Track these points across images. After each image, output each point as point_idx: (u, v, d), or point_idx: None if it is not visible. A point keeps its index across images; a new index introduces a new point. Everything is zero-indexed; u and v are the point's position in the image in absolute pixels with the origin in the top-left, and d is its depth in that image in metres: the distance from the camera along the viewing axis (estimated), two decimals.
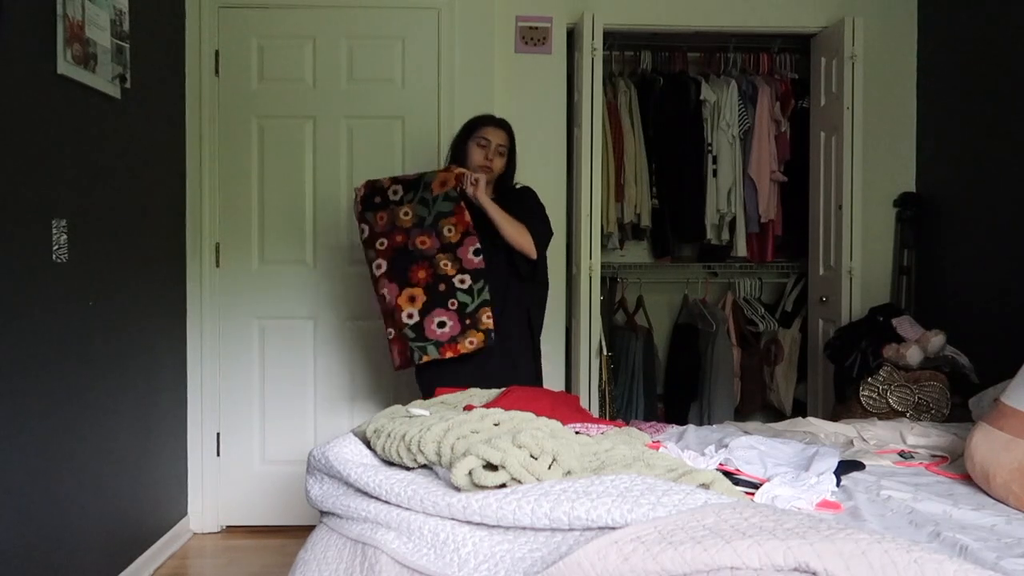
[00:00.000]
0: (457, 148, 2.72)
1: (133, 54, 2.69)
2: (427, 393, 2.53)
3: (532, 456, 1.37)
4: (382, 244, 2.60)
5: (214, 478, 3.37)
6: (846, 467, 1.83)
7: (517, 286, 2.68)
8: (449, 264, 2.53)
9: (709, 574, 1.02)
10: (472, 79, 3.34)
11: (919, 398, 2.83)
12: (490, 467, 1.36)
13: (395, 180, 2.63)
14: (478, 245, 2.53)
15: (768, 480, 1.65)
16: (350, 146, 3.36)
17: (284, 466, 3.35)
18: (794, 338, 3.99)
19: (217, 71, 3.33)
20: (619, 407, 3.87)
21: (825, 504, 1.58)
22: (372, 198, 2.62)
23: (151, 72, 2.91)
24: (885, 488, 1.71)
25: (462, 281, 2.53)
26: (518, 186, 2.80)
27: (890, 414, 2.81)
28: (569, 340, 3.55)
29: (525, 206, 2.70)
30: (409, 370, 3.38)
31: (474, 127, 2.69)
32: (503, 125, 2.70)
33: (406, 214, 2.57)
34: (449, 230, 2.54)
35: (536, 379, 2.78)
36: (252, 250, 3.37)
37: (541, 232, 2.66)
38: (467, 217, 2.55)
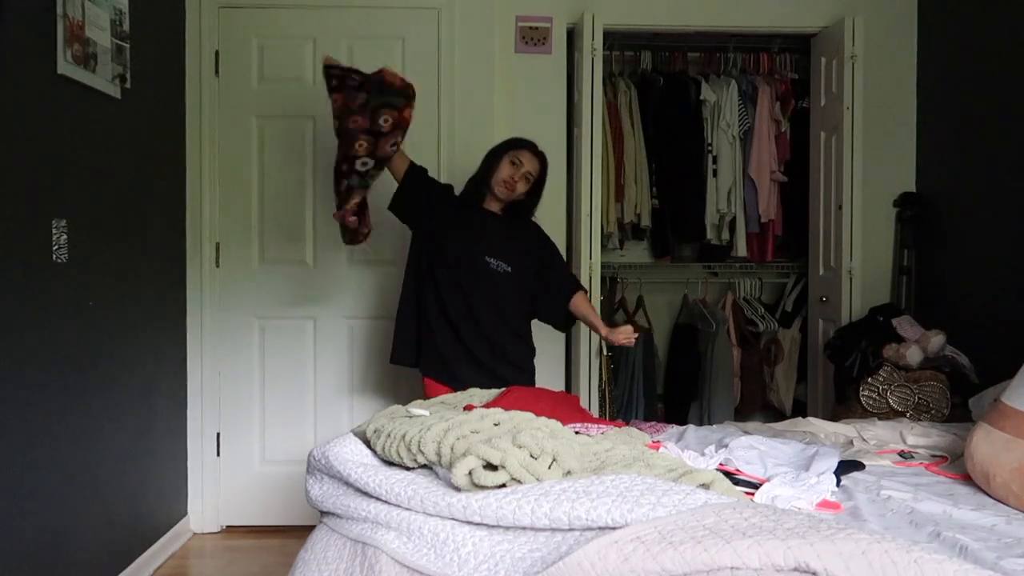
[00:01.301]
0: (491, 158, 2.70)
1: (133, 54, 2.69)
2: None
3: (532, 456, 1.37)
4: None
5: (214, 478, 3.37)
6: (846, 467, 1.84)
7: (522, 301, 2.73)
8: (364, 145, 2.57)
9: (709, 574, 1.02)
10: (472, 79, 3.34)
11: (919, 398, 2.83)
12: (490, 467, 1.36)
13: (353, 74, 2.60)
14: (399, 140, 2.59)
15: (768, 480, 1.65)
16: None
17: (284, 466, 3.35)
18: (794, 338, 3.99)
19: (217, 71, 3.32)
20: (619, 407, 3.87)
21: (825, 504, 1.58)
22: (329, 79, 2.62)
23: (151, 72, 2.91)
24: (885, 488, 1.71)
25: (363, 164, 2.58)
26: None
27: (890, 414, 2.81)
28: (569, 340, 3.55)
29: (548, 247, 2.79)
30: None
31: (513, 145, 2.68)
32: (541, 157, 2.70)
33: (385, 120, 2.57)
34: (385, 120, 2.56)
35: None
36: (252, 250, 3.37)
37: (569, 279, 2.81)
38: (407, 116, 2.58)
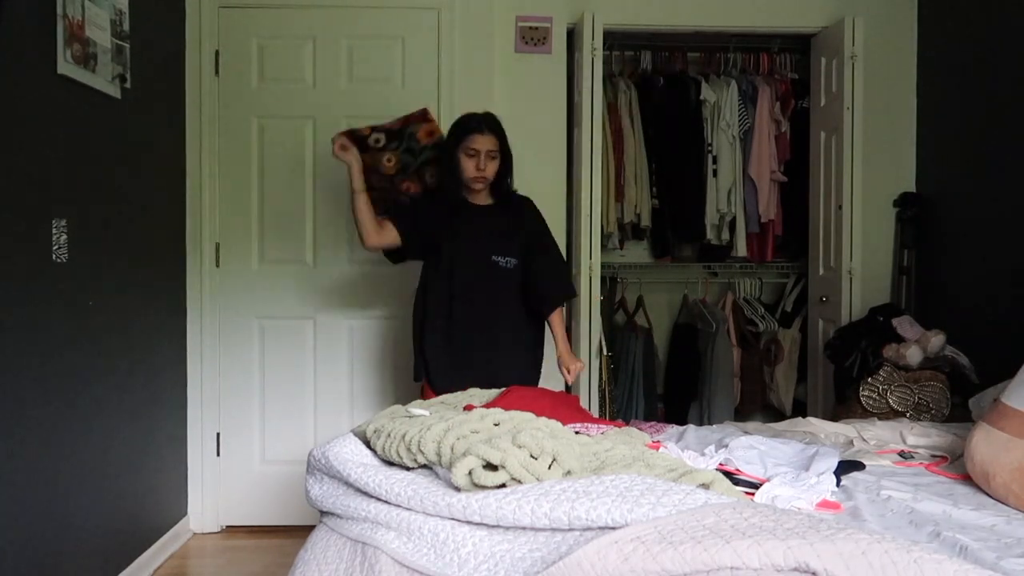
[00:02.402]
0: (448, 157, 2.61)
1: (133, 54, 2.69)
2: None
3: (532, 456, 1.37)
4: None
5: (214, 478, 3.37)
6: (846, 467, 1.83)
7: (518, 293, 2.67)
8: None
9: (709, 574, 1.02)
10: (472, 79, 3.34)
11: (919, 398, 2.83)
12: (490, 467, 1.36)
13: (375, 129, 2.69)
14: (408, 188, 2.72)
15: (768, 480, 1.64)
16: None
17: (284, 466, 3.35)
18: (794, 338, 3.99)
19: (217, 71, 3.33)
20: (619, 407, 3.87)
21: (825, 504, 1.58)
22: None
23: (151, 72, 2.91)
24: (885, 488, 1.71)
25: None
26: (517, 191, 2.74)
27: (890, 414, 2.81)
28: (569, 340, 3.54)
29: (539, 230, 2.71)
30: (408, 370, 3.39)
31: (461, 136, 2.57)
32: (491, 127, 2.57)
33: (389, 160, 2.68)
34: (431, 176, 2.73)
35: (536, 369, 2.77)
36: (252, 250, 3.37)
37: (563, 267, 2.84)
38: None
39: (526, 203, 2.74)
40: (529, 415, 1.64)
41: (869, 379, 2.93)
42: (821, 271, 3.69)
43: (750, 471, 1.73)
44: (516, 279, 2.64)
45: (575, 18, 3.47)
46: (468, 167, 2.57)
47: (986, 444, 1.74)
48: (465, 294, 2.59)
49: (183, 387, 3.31)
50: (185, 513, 3.33)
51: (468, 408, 1.93)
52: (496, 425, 1.58)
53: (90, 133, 2.48)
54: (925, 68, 3.59)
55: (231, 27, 3.33)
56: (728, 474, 1.68)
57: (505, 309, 2.63)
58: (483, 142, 2.56)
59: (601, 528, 1.17)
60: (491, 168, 2.59)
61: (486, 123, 2.58)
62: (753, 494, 1.55)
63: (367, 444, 1.70)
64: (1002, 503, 1.66)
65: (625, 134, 3.87)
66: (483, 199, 2.67)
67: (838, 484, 1.71)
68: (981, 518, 1.55)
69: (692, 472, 1.46)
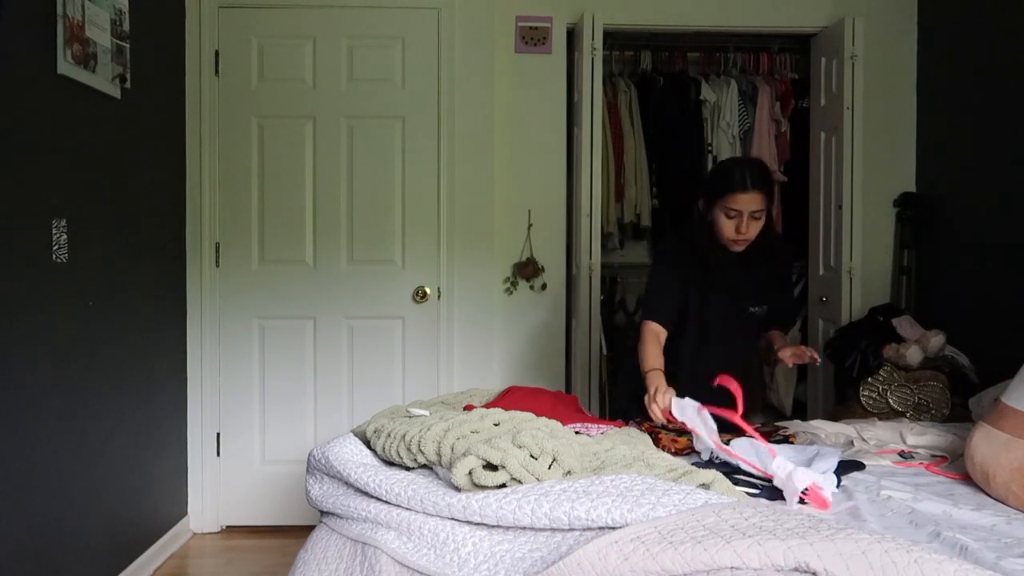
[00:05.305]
0: (706, 210, 2.24)
1: (133, 54, 2.69)
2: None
3: (532, 456, 1.37)
4: None
5: (214, 478, 3.37)
6: (846, 467, 1.84)
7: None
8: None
9: (709, 574, 1.02)
10: (472, 79, 3.34)
11: (919, 398, 2.83)
12: (490, 467, 1.36)
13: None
14: None
15: (771, 477, 1.64)
16: (350, 146, 3.36)
17: (284, 466, 3.35)
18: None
19: (217, 71, 3.33)
20: (619, 407, 3.86)
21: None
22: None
23: (151, 72, 2.91)
24: (885, 488, 1.71)
25: None
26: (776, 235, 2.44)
27: (890, 414, 2.81)
28: (569, 340, 3.55)
29: (782, 274, 2.45)
30: (406, 370, 3.37)
31: (720, 192, 2.17)
32: (757, 183, 2.14)
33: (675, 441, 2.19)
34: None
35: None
36: (252, 250, 3.37)
37: (790, 313, 2.45)
38: None
39: (779, 248, 2.44)
40: (529, 415, 1.64)
41: (869, 379, 2.92)
42: (821, 271, 3.69)
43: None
44: (762, 320, 2.39)
45: (575, 18, 3.47)
46: (727, 228, 2.18)
47: (986, 444, 1.74)
48: (718, 343, 2.33)
49: (183, 387, 3.31)
50: (185, 513, 3.33)
51: (468, 408, 1.93)
52: (496, 425, 1.58)
53: (90, 133, 2.48)
54: (925, 68, 3.59)
55: (231, 27, 3.32)
56: (729, 473, 1.68)
57: (750, 352, 2.43)
58: (747, 201, 2.13)
59: (601, 528, 1.18)
60: (753, 230, 2.18)
61: (752, 178, 2.14)
62: (755, 493, 1.55)
63: (367, 444, 1.71)
64: (1002, 503, 1.66)
65: (625, 134, 3.87)
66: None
67: (838, 484, 1.71)
68: (981, 518, 1.55)
69: (692, 472, 1.46)
